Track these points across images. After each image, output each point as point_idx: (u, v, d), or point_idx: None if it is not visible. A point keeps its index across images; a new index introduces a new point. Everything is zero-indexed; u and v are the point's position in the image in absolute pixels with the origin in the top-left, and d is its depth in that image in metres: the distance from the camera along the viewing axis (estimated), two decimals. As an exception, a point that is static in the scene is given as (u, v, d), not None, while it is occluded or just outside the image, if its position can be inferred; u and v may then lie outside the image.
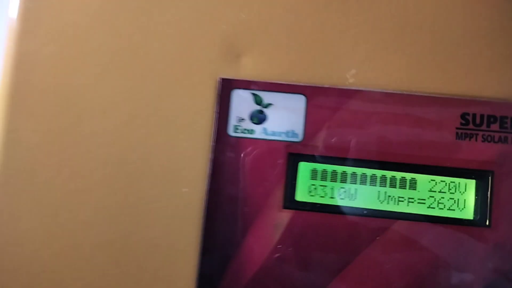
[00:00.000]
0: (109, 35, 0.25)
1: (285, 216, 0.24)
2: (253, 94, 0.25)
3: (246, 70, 0.25)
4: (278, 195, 0.24)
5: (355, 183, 0.25)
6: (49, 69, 0.25)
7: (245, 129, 0.24)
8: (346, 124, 0.25)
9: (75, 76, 0.25)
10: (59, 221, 0.24)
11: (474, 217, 0.24)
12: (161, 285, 0.23)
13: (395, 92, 0.25)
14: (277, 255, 0.24)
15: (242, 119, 0.24)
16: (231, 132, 0.24)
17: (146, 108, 0.24)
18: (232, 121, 0.25)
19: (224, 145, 0.24)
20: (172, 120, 0.24)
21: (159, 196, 0.24)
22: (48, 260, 0.24)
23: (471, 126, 0.25)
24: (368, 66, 0.25)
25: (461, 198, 0.25)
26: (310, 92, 0.25)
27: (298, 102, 0.25)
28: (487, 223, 0.24)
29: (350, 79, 0.25)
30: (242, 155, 0.24)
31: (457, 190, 0.25)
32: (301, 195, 0.24)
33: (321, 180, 0.25)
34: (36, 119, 0.24)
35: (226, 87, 0.25)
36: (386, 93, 0.25)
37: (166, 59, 0.25)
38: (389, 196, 0.25)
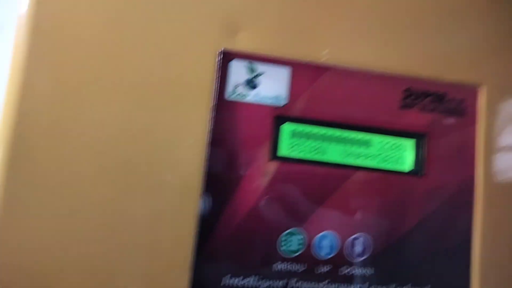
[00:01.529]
0: (116, 11, 0.28)
1: (272, 166, 0.29)
2: (248, 64, 0.29)
3: (241, 44, 0.29)
4: (266, 149, 0.29)
5: (326, 142, 0.31)
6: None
7: (240, 94, 0.29)
8: (320, 93, 0.30)
9: (79, 51, 0.27)
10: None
11: (413, 168, 0.32)
12: (166, 224, 0.27)
13: (357, 69, 0.31)
14: (265, 197, 0.29)
15: (238, 86, 0.29)
16: (228, 96, 0.29)
17: (155, 77, 0.28)
18: (230, 87, 0.29)
19: (222, 106, 0.29)
20: (178, 85, 0.28)
21: (168, 148, 0.28)
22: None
23: (411, 98, 0.32)
24: (338, 47, 0.31)
25: (404, 155, 0.32)
26: (294, 65, 0.30)
27: (284, 73, 0.30)
28: (422, 173, 0.32)
29: (323, 56, 0.31)
30: (237, 115, 0.29)
31: (401, 148, 0.32)
32: (284, 150, 0.30)
33: (300, 139, 0.30)
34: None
35: (225, 58, 0.29)
36: (351, 70, 0.31)
37: (173, 35, 0.28)
38: (351, 152, 0.31)
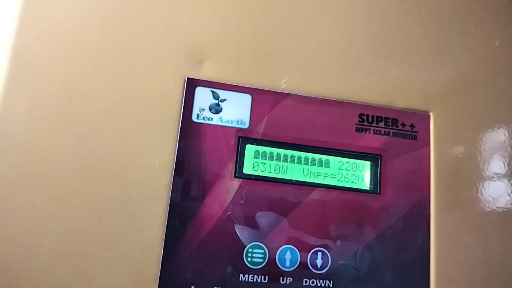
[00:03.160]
0: (93, 43, 0.31)
1: (236, 183, 0.31)
2: (212, 91, 0.32)
3: (207, 73, 0.32)
4: (231, 167, 0.32)
5: (286, 162, 0.33)
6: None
7: (205, 117, 0.32)
8: (280, 118, 0.33)
9: (56, 71, 0.30)
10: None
11: (370, 188, 0.34)
12: (134, 237, 0.29)
13: (314, 96, 0.34)
14: (229, 213, 0.31)
15: (203, 109, 0.32)
16: (194, 119, 0.32)
17: (126, 100, 0.31)
18: (195, 111, 0.32)
19: (188, 128, 0.31)
20: (148, 108, 0.31)
21: (138, 166, 0.30)
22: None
23: (365, 123, 0.35)
24: (296, 77, 0.34)
25: (361, 174, 0.34)
26: (254, 93, 0.33)
27: (246, 99, 0.33)
28: (378, 191, 0.34)
29: (283, 85, 0.34)
30: (203, 136, 0.31)
31: (357, 168, 0.34)
32: (247, 169, 0.32)
33: (262, 159, 0.33)
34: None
35: (191, 85, 0.32)
36: (309, 97, 0.34)
37: (144, 63, 0.31)
38: (311, 171, 0.33)
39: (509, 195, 0.35)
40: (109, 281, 0.28)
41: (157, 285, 0.28)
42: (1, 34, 0.30)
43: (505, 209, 0.35)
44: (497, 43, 0.39)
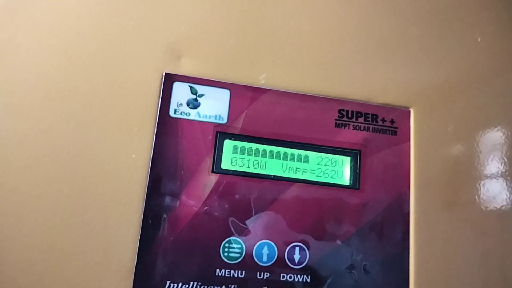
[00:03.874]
0: (70, 38, 0.31)
1: (213, 178, 0.31)
2: (190, 86, 0.32)
3: (184, 68, 0.32)
4: (208, 162, 0.31)
5: (265, 157, 0.33)
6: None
7: (182, 112, 0.32)
8: (258, 113, 0.33)
9: (33, 66, 0.30)
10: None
11: (349, 183, 0.34)
12: (110, 232, 0.29)
13: (293, 92, 0.34)
14: (206, 208, 0.31)
15: (181, 105, 0.32)
16: (171, 114, 0.32)
17: (104, 95, 0.31)
18: (173, 106, 0.32)
19: (166, 123, 0.31)
20: (125, 103, 0.31)
21: (114, 161, 0.30)
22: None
23: (345, 118, 0.35)
24: (275, 73, 0.34)
25: (340, 170, 0.34)
26: (233, 88, 0.33)
27: (224, 95, 0.33)
28: (358, 186, 0.34)
29: (261, 80, 0.34)
30: (180, 131, 0.31)
31: (337, 164, 0.34)
32: (225, 164, 0.32)
33: (240, 154, 0.33)
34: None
35: (169, 80, 0.32)
36: (287, 92, 0.34)
37: (122, 58, 0.31)
38: (289, 167, 0.33)
39: (489, 190, 0.35)
40: (84, 275, 0.28)
41: (132, 279, 0.28)
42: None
43: (485, 203, 0.35)
44: (479, 39, 0.39)
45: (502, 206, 0.35)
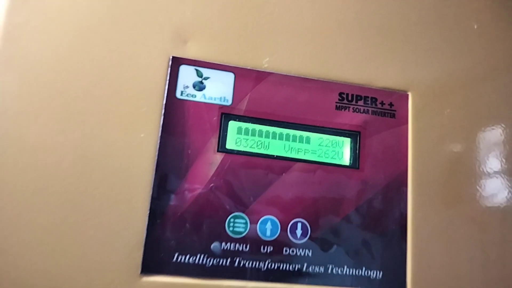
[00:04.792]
0: (81, 23, 0.32)
1: (218, 157, 0.33)
2: (196, 69, 0.34)
3: (190, 52, 0.34)
4: (213, 142, 0.33)
5: (268, 138, 0.34)
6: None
7: (189, 94, 0.33)
8: (262, 95, 0.35)
9: (44, 50, 0.31)
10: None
11: (349, 163, 0.35)
12: (120, 208, 0.30)
13: (295, 75, 0.35)
14: (211, 185, 0.32)
15: (187, 87, 0.33)
16: (178, 95, 0.33)
17: (114, 78, 0.32)
18: (179, 88, 0.33)
19: (173, 105, 0.33)
20: (134, 85, 0.32)
21: (124, 140, 0.31)
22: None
23: (345, 101, 0.36)
24: (278, 56, 0.35)
25: (340, 150, 0.36)
26: (237, 71, 0.34)
27: (229, 78, 0.34)
28: (357, 166, 0.35)
29: (265, 64, 0.35)
30: (186, 112, 0.33)
31: (337, 145, 0.36)
32: (230, 144, 0.33)
33: (244, 135, 0.34)
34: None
35: (175, 63, 0.33)
36: (290, 75, 0.35)
37: (130, 43, 0.33)
38: (292, 147, 0.35)
39: (484, 171, 0.37)
40: (96, 248, 0.29)
41: (142, 251, 0.30)
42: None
43: (480, 185, 0.36)
44: (475, 27, 0.40)
45: (497, 190, 0.37)
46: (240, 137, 0.34)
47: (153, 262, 0.30)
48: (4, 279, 0.28)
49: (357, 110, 0.36)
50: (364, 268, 0.33)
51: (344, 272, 0.33)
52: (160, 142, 0.32)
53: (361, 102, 0.36)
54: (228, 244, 0.31)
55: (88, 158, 0.30)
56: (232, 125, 0.34)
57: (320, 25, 0.37)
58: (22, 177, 0.29)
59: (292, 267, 0.32)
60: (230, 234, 0.32)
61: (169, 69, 0.33)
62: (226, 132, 0.33)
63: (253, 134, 0.34)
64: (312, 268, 0.32)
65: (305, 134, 0.35)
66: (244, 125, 0.34)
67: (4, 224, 0.29)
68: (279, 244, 0.32)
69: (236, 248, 0.31)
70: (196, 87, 0.33)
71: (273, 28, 0.36)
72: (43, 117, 0.30)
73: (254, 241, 0.32)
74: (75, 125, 0.31)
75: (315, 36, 0.36)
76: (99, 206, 0.30)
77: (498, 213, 0.36)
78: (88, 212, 0.30)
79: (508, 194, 0.37)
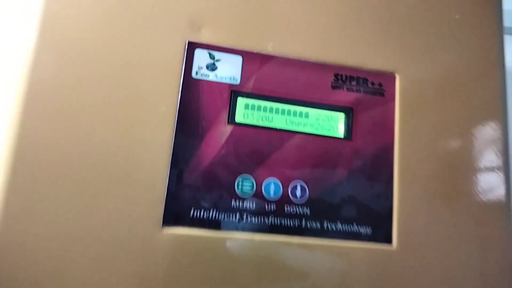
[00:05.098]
0: (104, 14, 0.37)
1: (229, 128, 0.38)
2: (209, 52, 0.39)
3: (204, 37, 0.39)
4: (224, 116, 0.38)
5: (272, 113, 0.39)
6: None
7: (203, 74, 0.38)
8: (267, 76, 0.40)
9: (79, 37, 0.36)
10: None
11: (343, 135, 0.40)
12: (147, 169, 0.35)
13: (296, 58, 0.40)
14: (222, 151, 0.37)
15: (201, 68, 0.38)
16: (194, 75, 0.38)
17: (137, 61, 0.37)
18: (195, 69, 0.38)
19: (189, 83, 0.38)
20: (154, 68, 0.37)
21: (146, 113, 0.36)
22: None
23: (340, 81, 0.41)
24: (281, 41, 0.40)
25: (335, 124, 0.40)
26: (245, 54, 0.39)
27: (237, 60, 0.39)
28: (350, 138, 0.40)
29: (269, 48, 0.40)
30: (201, 90, 0.38)
31: (333, 119, 0.41)
32: (238, 118, 0.38)
33: (251, 110, 0.39)
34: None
35: (191, 47, 0.38)
36: (292, 58, 0.40)
37: (151, 30, 0.38)
38: (292, 121, 0.40)
39: (461, 144, 0.42)
40: (123, 205, 0.34)
41: (164, 205, 0.35)
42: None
43: (459, 149, 0.41)
44: (457, 17, 0.45)
45: (483, 168, 0.41)
46: (247, 111, 0.39)
47: (172, 216, 0.35)
48: (35, 228, 0.33)
49: (350, 89, 0.41)
50: (355, 224, 0.38)
51: (338, 228, 0.38)
52: (178, 115, 0.37)
53: (354, 82, 0.41)
54: (238, 201, 0.36)
55: (115, 128, 0.35)
56: (240, 101, 0.39)
57: (318, 14, 0.42)
58: (58, 142, 0.34)
59: (292, 223, 0.37)
60: (239, 193, 0.37)
61: (186, 52, 0.38)
62: (235, 107, 0.38)
63: (259, 109, 0.39)
64: (310, 224, 0.37)
65: (304, 109, 0.40)
66: (251, 101, 0.39)
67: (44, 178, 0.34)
68: (281, 203, 0.37)
69: (244, 205, 0.36)
70: (209, 68, 0.38)
71: (277, 16, 0.41)
72: (78, 94, 0.35)
73: (259, 200, 0.37)
74: (106, 99, 0.36)
75: (314, 24, 0.41)
76: (126, 169, 0.35)
77: (474, 177, 0.41)
78: (117, 173, 0.35)
79: (481, 156, 0.42)
